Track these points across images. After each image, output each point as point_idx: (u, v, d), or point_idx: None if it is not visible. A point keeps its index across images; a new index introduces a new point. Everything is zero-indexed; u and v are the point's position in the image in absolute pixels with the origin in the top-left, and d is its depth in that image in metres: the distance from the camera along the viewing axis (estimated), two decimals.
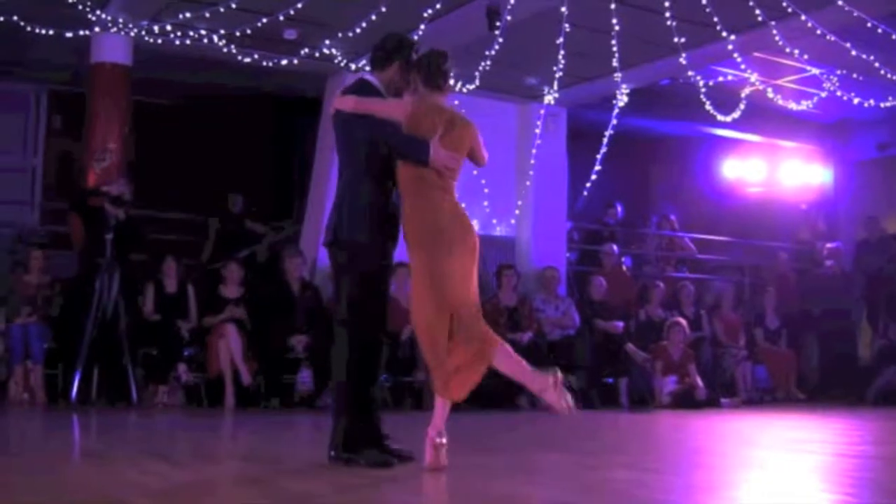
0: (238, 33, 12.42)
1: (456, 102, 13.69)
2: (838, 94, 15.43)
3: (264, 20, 12.08)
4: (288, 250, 12.92)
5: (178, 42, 12.79)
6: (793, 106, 15.59)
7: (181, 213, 14.53)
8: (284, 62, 13.20)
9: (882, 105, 15.39)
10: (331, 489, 5.31)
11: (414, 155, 6.19)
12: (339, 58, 13.29)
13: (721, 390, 14.19)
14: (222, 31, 12.54)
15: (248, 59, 13.13)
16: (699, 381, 13.50)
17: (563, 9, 11.67)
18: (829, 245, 16.94)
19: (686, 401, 13.26)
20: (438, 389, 6.05)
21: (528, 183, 14.64)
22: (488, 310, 12.90)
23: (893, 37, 12.89)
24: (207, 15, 12.06)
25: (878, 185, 18.89)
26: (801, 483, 6.01)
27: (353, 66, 13.36)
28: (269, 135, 17.18)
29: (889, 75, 13.95)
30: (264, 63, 13.23)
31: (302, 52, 12.97)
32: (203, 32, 12.63)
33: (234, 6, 11.79)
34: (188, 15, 12.14)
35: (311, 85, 14.45)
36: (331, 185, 13.23)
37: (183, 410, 11.42)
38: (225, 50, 12.87)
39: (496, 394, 12.54)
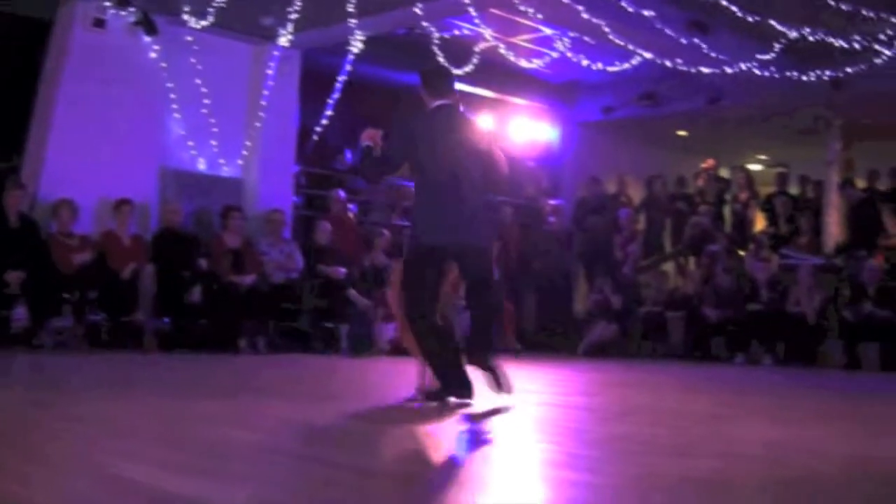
0: None
1: (189, 39, 13.51)
2: (569, 55, 15.78)
3: None
4: (8, 182, 12.43)
5: None
6: (524, 64, 15.87)
7: None
8: None
9: (609, 70, 15.81)
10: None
11: None
12: None
13: None
14: None
15: None
16: None
17: None
18: (552, 202, 17.37)
19: (405, 348, 13.40)
20: None
21: (257, 124, 14.46)
22: (212, 252, 12.80)
23: (623, 3, 13.28)
24: None
25: (601, 146, 19.47)
26: (513, 430, 6.15)
27: None
28: None
29: (618, 41, 14.34)
30: None
31: None
32: None
33: None
34: None
35: (42, 8, 13.72)
36: (55, 116, 12.85)
37: None
38: None
39: (216, 336, 12.46)
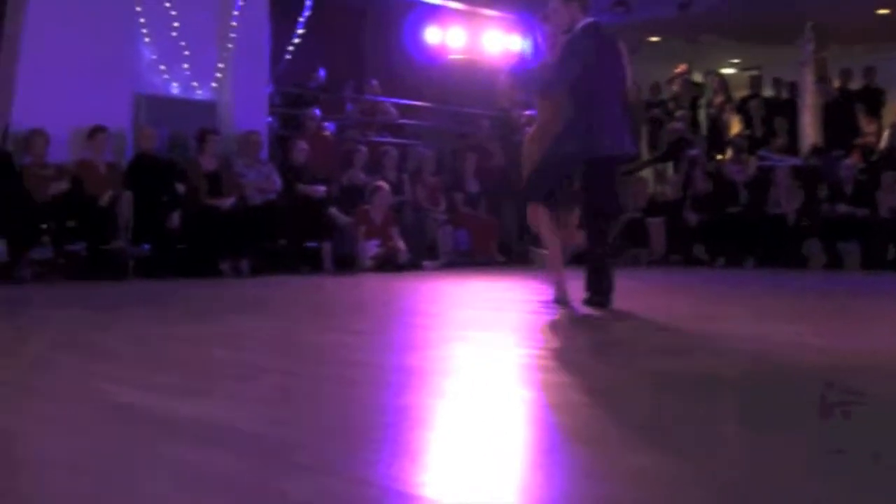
0: None
1: None
2: None
3: None
4: None
5: None
6: None
7: None
8: None
9: None
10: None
11: None
12: None
13: (423, 253, 14.44)
14: None
15: None
16: (401, 245, 13.69)
17: None
18: (527, 113, 17.29)
19: (389, 264, 13.44)
20: None
21: (229, 45, 14.32)
22: (189, 176, 12.73)
23: None
24: None
25: None
26: (500, 339, 6.17)
27: None
28: None
29: None
30: None
31: None
32: None
33: None
34: None
35: None
36: (23, 46, 12.70)
37: None
38: None
39: (197, 260, 12.43)
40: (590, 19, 7.65)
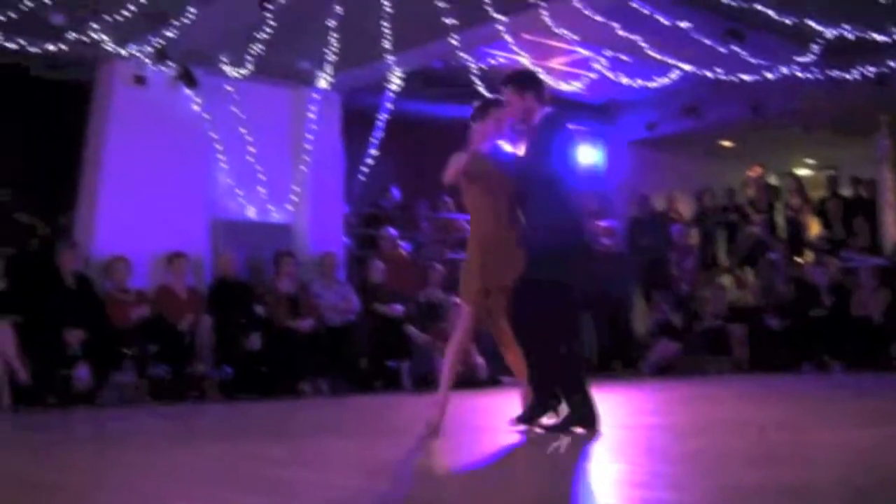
0: (2, 17, 11.78)
1: (229, 89, 13.57)
2: (608, 74, 15.71)
3: (29, 4, 11.56)
4: (61, 242, 12.50)
5: None
6: (563, 87, 15.80)
7: None
8: (52, 48, 12.55)
9: (649, 85, 15.73)
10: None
11: None
12: (109, 44, 12.82)
13: (502, 369, 14.33)
14: None
15: (12, 46, 12.38)
16: (480, 361, 13.61)
17: None
18: (602, 224, 17.24)
19: (468, 380, 13.36)
20: None
21: (303, 168, 14.50)
22: (267, 299, 12.81)
23: (658, 17, 13.21)
24: None
25: (648, 164, 19.37)
26: (589, 454, 6.07)
27: (123, 52, 12.94)
28: (41, 122, 15.99)
29: (655, 55, 14.28)
30: (31, 50, 12.47)
31: (70, 38, 12.40)
32: None
33: None
34: None
35: (82, 71, 13.75)
36: (103, 175, 12.92)
37: None
38: None
39: (278, 381, 12.46)
40: (548, 110, 7.24)
